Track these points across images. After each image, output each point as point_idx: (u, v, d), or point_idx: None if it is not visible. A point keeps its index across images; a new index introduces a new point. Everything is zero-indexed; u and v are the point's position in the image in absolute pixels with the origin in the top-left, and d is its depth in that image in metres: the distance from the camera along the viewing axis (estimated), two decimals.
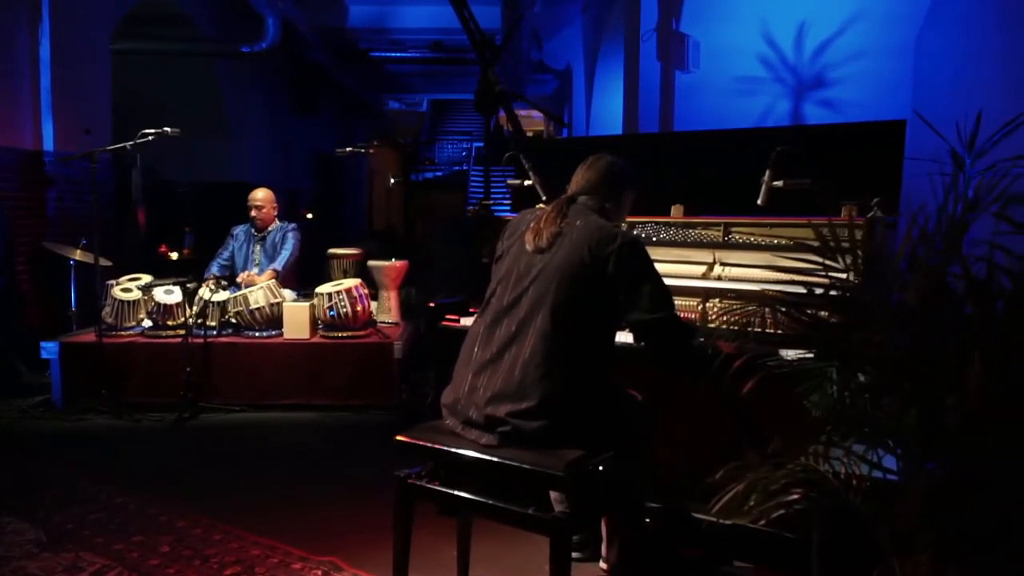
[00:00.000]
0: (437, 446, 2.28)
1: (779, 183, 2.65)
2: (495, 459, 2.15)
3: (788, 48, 5.87)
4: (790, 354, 2.00)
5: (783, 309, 1.70)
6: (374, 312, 5.27)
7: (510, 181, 3.29)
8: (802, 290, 1.74)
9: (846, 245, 1.65)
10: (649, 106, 6.29)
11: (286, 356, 4.72)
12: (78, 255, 4.90)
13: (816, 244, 1.68)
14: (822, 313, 1.75)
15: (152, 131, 4.65)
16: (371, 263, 5.31)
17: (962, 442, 1.44)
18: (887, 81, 5.63)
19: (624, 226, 3.15)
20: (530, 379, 2.13)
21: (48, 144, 6.34)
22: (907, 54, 5.67)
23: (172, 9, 9.05)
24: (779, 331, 1.92)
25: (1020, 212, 1.63)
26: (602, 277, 2.17)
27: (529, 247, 2.26)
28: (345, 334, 4.80)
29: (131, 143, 4.65)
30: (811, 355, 1.81)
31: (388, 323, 5.24)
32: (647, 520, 2.76)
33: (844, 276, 1.65)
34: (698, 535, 2.75)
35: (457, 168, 20.73)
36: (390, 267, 5.23)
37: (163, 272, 5.49)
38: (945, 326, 1.45)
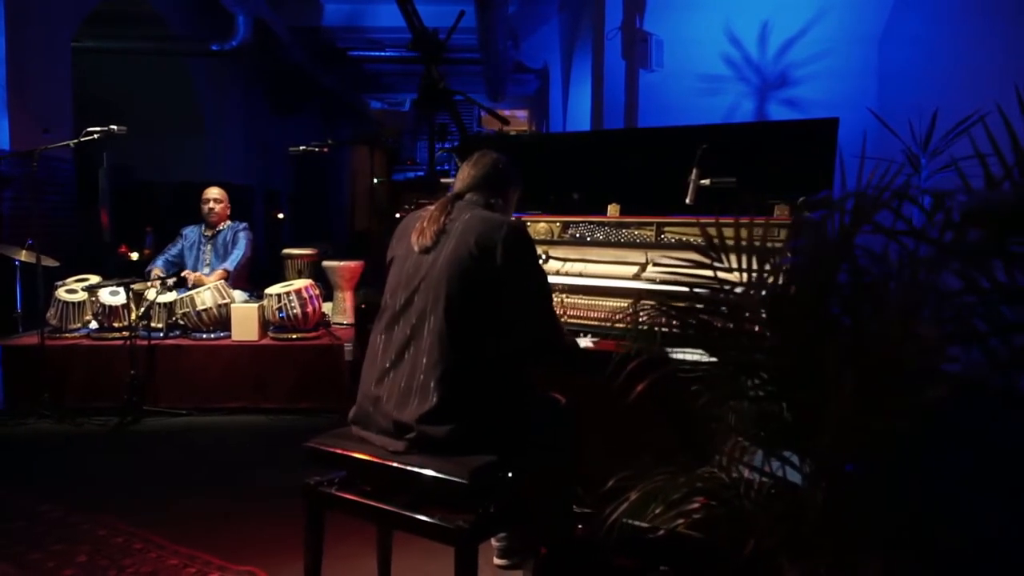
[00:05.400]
0: (346, 452, 2.22)
1: (706, 182, 2.58)
2: (398, 466, 2.09)
3: (752, 46, 5.80)
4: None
5: (673, 312, 1.63)
6: (329, 313, 5.19)
7: (443, 179, 3.22)
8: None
9: (730, 243, 1.58)
10: (614, 105, 6.22)
11: (233, 358, 4.62)
12: (23, 255, 4.79)
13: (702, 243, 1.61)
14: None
15: (97, 129, 4.56)
16: (326, 263, 5.22)
17: (838, 449, 1.37)
18: (854, 79, 5.57)
19: (542, 225, 3.08)
20: (431, 381, 2.07)
21: (3, 143, 6.23)
22: (873, 50, 5.61)
23: (146, 8, 8.94)
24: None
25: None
26: (491, 269, 2.10)
27: (416, 248, 2.19)
28: (295, 336, 4.71)
29: (73, 141, 4.56)
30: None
31: (343, 324, 5.15)
32: (576, 527, 2.69)
33: (730, 276, 1.59)
34: (629, 542, 2.68)
35: (440, 168, 20.54)
36: (344, 267, 5.14)
37: (124, 273, 5.38)
38: (821, 333, 1.38)
